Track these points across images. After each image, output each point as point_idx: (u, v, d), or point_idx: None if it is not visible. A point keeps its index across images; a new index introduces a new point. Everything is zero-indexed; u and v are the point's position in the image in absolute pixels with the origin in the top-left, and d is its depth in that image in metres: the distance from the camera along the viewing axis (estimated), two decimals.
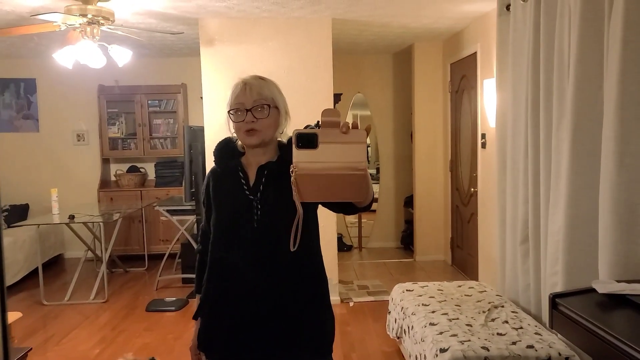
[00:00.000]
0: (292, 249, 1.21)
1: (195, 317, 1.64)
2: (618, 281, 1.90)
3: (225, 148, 1.62)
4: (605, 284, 1.87)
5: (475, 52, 4.59)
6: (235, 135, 1.56)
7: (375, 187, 6.61)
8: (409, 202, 6.36)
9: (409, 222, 6.35)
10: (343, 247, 6.40)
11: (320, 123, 1.07)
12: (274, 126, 1.52)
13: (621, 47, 2.06)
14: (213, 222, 1.58)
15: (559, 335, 2.45)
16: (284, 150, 1.55)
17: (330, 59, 4.36)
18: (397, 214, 6.65)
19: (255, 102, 1.48)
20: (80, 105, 6.23)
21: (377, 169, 6.68)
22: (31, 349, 2.80)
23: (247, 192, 1.53)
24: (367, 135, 1.09)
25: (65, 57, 3.51)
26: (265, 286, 1.49)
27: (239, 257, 1.51)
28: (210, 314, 1.58)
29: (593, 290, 1.90)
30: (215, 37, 4.31)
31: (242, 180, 1.55)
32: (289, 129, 1.59)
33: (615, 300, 1.81)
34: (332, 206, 1.42)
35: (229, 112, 1.51)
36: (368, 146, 6.69)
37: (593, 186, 2.35)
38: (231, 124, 1.53)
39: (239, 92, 1.50)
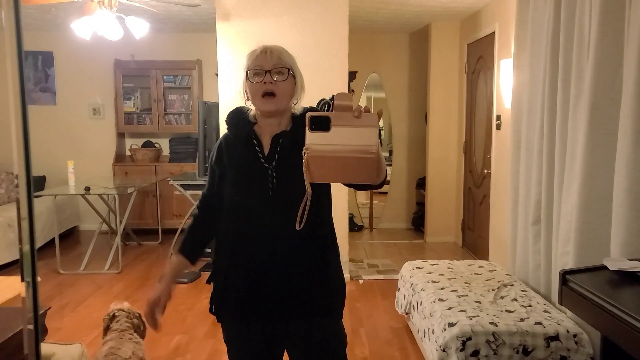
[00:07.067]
0: (297, 228, 1.21)
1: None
2: (630, 259, 1.91)
3: (238, 116, 1.61)
4: (616, 262, 1.87)
5: (493, 32, 4.53)
6: (248, 104, 1.56)
7: (388, 169, 6.60)
8: (421, 183, 6.36)
9: (421, 204, 6.35)
10: (354, 227, 6.43)
11: (334, 100, 1.09)
12: (290, 94, 1.52)
13: None
14: (227, 190, 1.58)
15: (567, 313, 2.46)
16: (297, 121, 1.55)
17: (346, 36, 4.33)
18: (408, 196, 6.65)
19: (275, 65, 1.48)
20: (97, 79, 6.27)
21: (390, 151, 6.66)
22: (50, 307, 2.90)
23: (262, 161, 1.53)
24: (379, 119, 1.10)
25: (82, 28, 3.53)
26: (278, 253, 1.52)
27: (253, 225, 1.53)
28: (223, 280, 1.60)
29: (603, 268, 1.90)
30: (231, 11, 4.30)
31: (257, 149, 1.54)
32: (304, 104, 1.60)
33: (626, 278, 1.81)
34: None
35: (246, 72, 1.50)
36: (381, 129, 6.69)
37: (609, 166, 2.34)
38: (247, 89, 1.51)
39: (259, 54, 1.50)
